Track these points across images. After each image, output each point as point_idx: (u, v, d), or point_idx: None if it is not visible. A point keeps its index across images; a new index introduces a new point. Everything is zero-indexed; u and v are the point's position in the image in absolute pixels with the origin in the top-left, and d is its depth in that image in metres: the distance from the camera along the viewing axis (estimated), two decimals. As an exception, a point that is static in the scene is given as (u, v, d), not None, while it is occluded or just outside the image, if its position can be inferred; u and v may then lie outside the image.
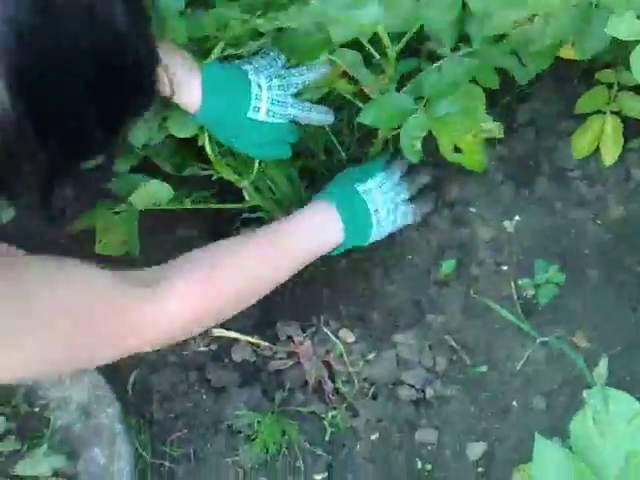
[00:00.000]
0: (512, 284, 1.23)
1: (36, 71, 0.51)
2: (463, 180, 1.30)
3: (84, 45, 0.53)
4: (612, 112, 1.23)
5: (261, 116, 1.03)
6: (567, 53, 1.10)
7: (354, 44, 1.00)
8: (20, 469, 1.13)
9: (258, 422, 1.19)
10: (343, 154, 1.26)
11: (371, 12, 0.82)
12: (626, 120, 1.23)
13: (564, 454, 0.80)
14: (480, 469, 1.16)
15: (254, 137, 1.05)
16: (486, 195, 1.29)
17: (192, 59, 0.98)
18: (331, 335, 1.22)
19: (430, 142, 1.07)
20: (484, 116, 1.05)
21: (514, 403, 1.18)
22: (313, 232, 1.09)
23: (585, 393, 0.84)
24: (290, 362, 1.23)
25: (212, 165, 1.13)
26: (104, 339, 0.84)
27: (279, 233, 1.07)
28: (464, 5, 0.92)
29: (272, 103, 1.03)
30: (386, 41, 0.98)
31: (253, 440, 1.18)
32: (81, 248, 1.13)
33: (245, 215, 1.24)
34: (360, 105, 1.08)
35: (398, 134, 1.07)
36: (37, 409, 1.18)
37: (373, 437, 1.19)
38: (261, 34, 0.98)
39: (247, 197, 1.19)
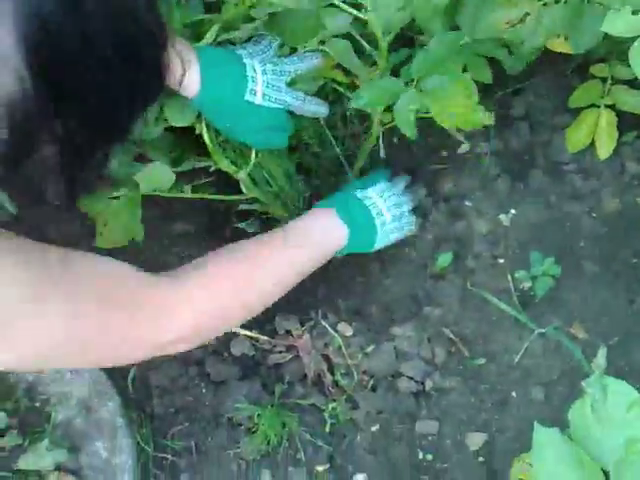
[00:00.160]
0: (509, 276, 1.23)
1: (55, 49, 0.52)
2: (459, 174, 1.31)
3: (100, 22, 0.54)
4: (606, 106, 1.24)
5: (258, 99, 1.02)
6: (561, 47, 1.11)
7: (346, 35, 1.00)
8: (23, 463, 1.13)
9: (258, 415, 1.19)
10: (338, 149, 1.26)
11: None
12: (620, 114, 1.24)
13: (563, 442, 0.81)
14: (480, 459, 1.17)
15: (252, 122, 1.04)
16: (482, 189, 1.30)
17: (188, 43, 0.97)
18: (329, 328, 1.23)
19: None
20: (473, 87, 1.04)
21: (513, 394, 1.19)
22: (318, 237, 1.10)
23: (584, 382, 0.84)
24: (289, 355, 1.23)
25: (210, 157, 1.12)
26: (137, 326, 0.85)
27: (284, 241, 1.08)
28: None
29: (267, 87, 1.02)
30: (377, 32, 0.98)
31: (254, 433, 1.19)
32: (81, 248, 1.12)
33: (242, 207, 1.24)
34: (353, 98, 1.09)
35: (391, 128, 1.06)
36: (38, 404, 1.18)
37: (374, 428, 1.20)
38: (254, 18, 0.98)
39: (244, 189, 1.18)
